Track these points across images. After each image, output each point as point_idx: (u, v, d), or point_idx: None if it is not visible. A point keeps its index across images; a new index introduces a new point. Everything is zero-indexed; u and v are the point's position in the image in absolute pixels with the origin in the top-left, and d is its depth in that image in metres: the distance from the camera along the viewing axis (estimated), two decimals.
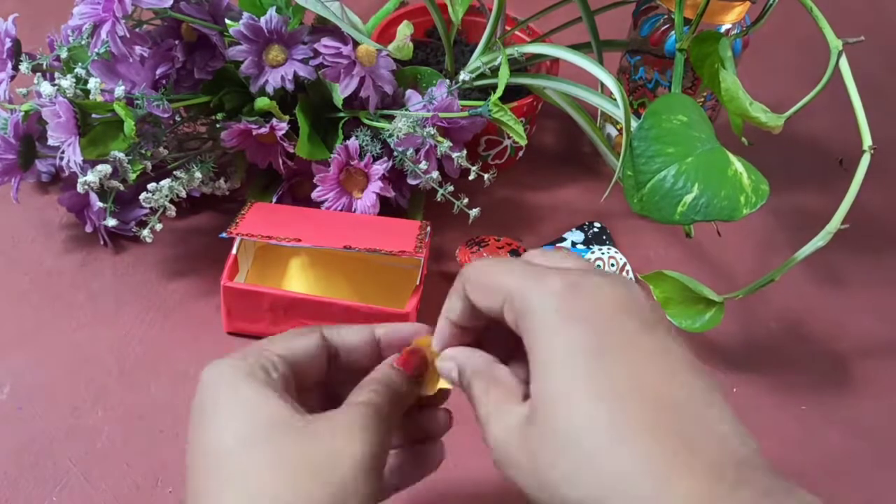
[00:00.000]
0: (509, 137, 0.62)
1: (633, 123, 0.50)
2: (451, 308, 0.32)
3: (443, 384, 0.35)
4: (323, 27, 0.54)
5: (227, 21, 0.53)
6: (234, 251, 0.52)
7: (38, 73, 0.55)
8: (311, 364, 0.33)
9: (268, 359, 0.31)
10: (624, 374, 0.25)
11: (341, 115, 0.56)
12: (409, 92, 0.57)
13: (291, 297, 0.50)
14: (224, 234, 0.50)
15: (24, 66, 0.55)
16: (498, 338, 0.32)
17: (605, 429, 0.24)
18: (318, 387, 0.35)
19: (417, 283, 0.51)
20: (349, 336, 0.35)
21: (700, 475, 0.23)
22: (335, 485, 0.27)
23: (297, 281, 0.56)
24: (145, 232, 0.52)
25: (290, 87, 0.53)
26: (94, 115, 0.51)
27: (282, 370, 0.31)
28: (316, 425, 0.29)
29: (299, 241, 0.49)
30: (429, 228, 0.54)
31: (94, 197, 0.54)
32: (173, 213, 0.53)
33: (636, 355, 0.25)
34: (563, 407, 0.25)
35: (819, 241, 0.48)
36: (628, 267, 0.59)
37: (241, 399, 0.29)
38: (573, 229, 0.62)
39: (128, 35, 0.48)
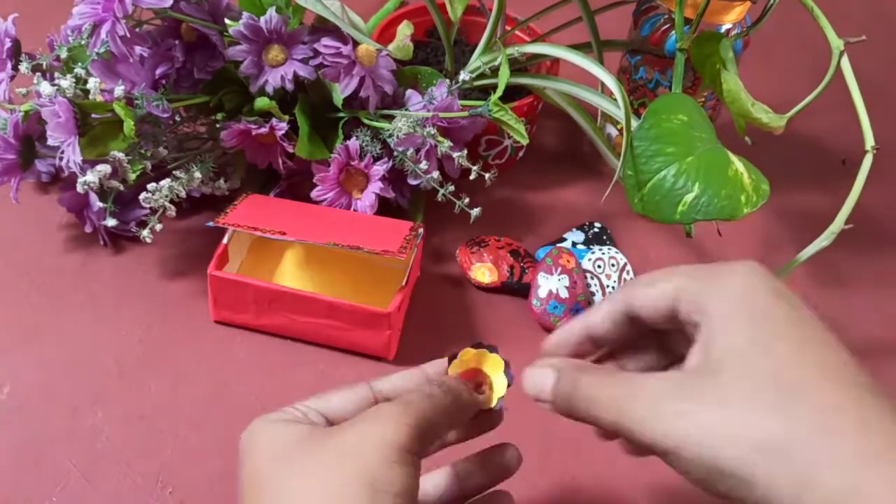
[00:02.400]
0: (510, 137, 0.62)
1: (634, 123, 0.50)
2: (596, 311, 0.33)
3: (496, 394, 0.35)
4: (323, 27, 0.54)
5: (226, 21, 0.53)
6: (224, 241, 0.52)
7: (38, 73, 0.55)
8: (353, 412, 0.34)
9: (297, 408, 0.33)
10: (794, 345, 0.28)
11: (341, 115, 0.56)
12: (409, 92, 0.56)
13: (275, 290, 0.50)
14: (211, 223, 0.50)
15: (23, 66, 0.55)
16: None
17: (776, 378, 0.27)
18: None
19: (403, 283, 0.51)
20: (399, 382, 0.36)
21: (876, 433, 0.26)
22: (362, 470, 0.28)
23: (289, 275, 0.56)
24: (145, 232, 0.52)
25: (289, 86, 0.53)
26: (93, 115, 0.51)
27: (313, 417, 0.33)
28: (342, 427, 0.31)
29: (284, 234, 0.49)
30: (421, 230, 0.54)
31: (93, 197, 0.54)
32: (173, 214, 0.53)
33: (808, 332, 0.28)
34: (736, 360, 0.27)
35: (823, 241, 0.48)
36: (628, 267, 0.59)
37: (272, 432, 0.31)
38: (573, 229, 0.62)
39: (127, 35, 0.48)
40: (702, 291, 0.30)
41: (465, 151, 0.55)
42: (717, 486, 0.27)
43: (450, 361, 0.44)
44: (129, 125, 0.49)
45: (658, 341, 0.35)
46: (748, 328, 0.28)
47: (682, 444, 0.27)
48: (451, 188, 0.55)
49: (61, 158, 0.50)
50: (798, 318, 0.28)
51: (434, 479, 0.37)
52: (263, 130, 0.53)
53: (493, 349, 0.48)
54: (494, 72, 0.58)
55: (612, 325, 0.33)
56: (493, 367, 0.49)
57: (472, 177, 0.55)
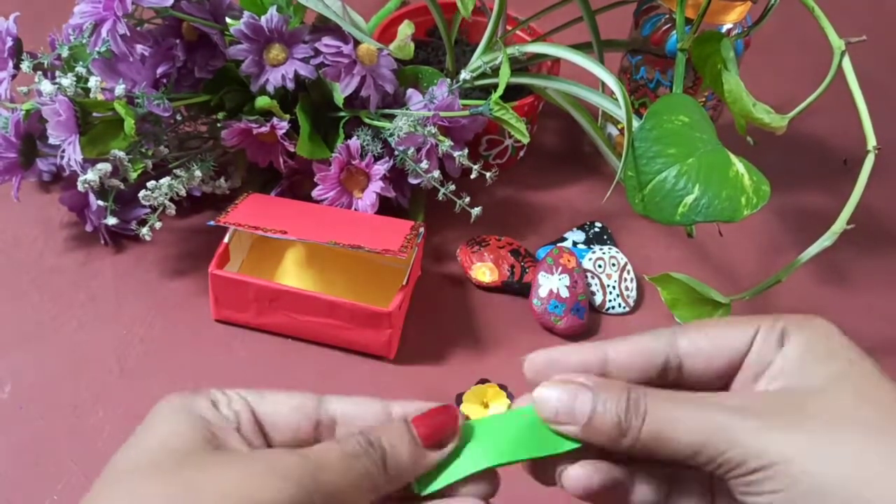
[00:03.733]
0: (510, 137, 0.62)
1: (635, 123, 0.49)
2: (624, 346, 0.28)
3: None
4: (324, 26, 0.54)
5: (227, 20, 0.53)
6: (225, 240, 0.52)
7: (39, 72, 0.55)
8: (285, 423, 0.28)
9: (224, 395, 0.28)
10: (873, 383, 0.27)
11: (342, 114, 0.56)
12: (410, 91, 0.56)
13: (276, 289, 0.50)
14: (212, 223, 0.50)
15: (25, 65, 0.55)
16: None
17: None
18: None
19: (404, 282, 0.51)
20: (353, 409, 0.29)
21: None
22: None
23: (290, 274, 0.56)
24: (144, 230, 0.52)
25: (290, 86, 0.53)
26: (94, 114, 0.51)
27: (235, 407, 0.28)
28: (222, 460, 0.25)
29: (285, 233, 0.49)
30: (422, 229, 0.54)
31: (94, 196, 0.54)
32: (173, 212, 0.53)
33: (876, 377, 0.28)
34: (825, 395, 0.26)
35: (825, 241, 0.48)
36: (629, 266, 0.59)
37: (165, 422, 0.27)
38: (574, 229, 0.62)
39: (128, 34, 0.48)
40: (784, 326, 0.28)
41: (466, 151, 0.55)
42: None
43: (457, 402, 0.44)
44: (129, 124, 0.49)
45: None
46: (843, 363, 0.27)
47: (795, 456, 0.25)
48: (452, 187, 0.55)
49: (62, 157, 0.50)
50: (869, 368, 0.28)
51: None
52: (264, 129, 0.53)
53: (502, 387, 0.48)
54: (495, 71, 0.58)
55: (642, 361, 0.28)
56: (495, 397, 0.50)
57: (472, 176, 0.55)
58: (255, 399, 0.28)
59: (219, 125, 0.55)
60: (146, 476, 0.25)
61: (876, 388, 0.27)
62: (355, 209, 0.56)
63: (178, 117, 0.57)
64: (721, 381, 0.29)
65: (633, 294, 0.58)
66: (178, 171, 0.53)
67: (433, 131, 0.54)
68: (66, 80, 0.50)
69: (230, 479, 0.24)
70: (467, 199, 0.56)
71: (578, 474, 0.27)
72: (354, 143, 0.54)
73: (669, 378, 0.29)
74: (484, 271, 0.57)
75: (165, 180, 0.52)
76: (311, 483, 0.24)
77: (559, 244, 0.60)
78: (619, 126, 0.67)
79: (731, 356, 0.28)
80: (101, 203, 0.54)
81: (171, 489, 0.24)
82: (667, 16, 0.60)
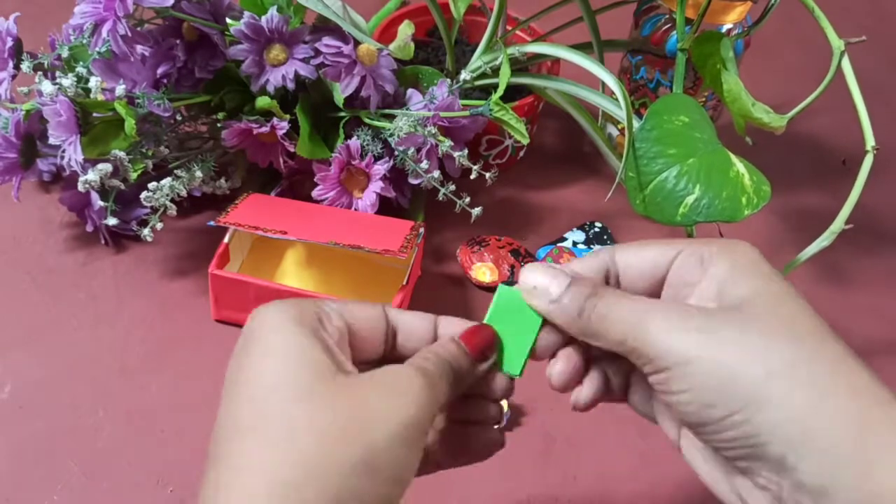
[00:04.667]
0: (510, 137, 0.62)
1: (635, 124, 0.50)
2: (577, 264, 0.33)
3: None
4: (324, 26, 0.54)
5: (228, 20, 0.53)
6: (225, 240, 0.53)
7: (40, 72, 0.55)
8: (369, 333, 0.31)
9: (323, 309, 0.30)
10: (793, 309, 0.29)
11: (342, 114, 0.56)
12: (410, 91, 0.57)
13: (277, 289, 0.50)
14: (212, 223, 0.50)
15: (25, 65, 0.55)
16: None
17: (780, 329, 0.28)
18: (373, 367, 0.31)
19: (404, 282, 0.51)
20: (410, 320, 0.33)
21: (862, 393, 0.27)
22: (364, 447, 0.25)
23: (290, 274, 0.56)
24: (146, 231, 0.52)
25: (290, 86, 0.53)
26: (94, 114, 0.51)
27: (337, 323, 0.30)
28: (358, 382, 0.27)
29: (285, 233, 0.49)
30: (422, 229, 0.54)
31: (94, 196, 0.54)
32: (174, 213, 0.53)
33: (799, 303, 0.29)
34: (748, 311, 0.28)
35: (824, 241, 0.48)
36: None
37: (287, 343, 0.28)
38: (574, 229, 0.62)
39: (129, 34, 0.48)
40: (708, 250, 0.31)
41: (466, 151, 0.55)
42: (713, 412, 0.27)
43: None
44: (130, 124, 0.49)
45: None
46: (761, 283, 0.29)
47: (697, 358, 0.28)
48: (452, 187, 0.55)
49: (62, 157, 0.50)
50: (791, 292, 0.30)
51: None
52: (264, 130, 0.53)
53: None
54: (495, 71, 0.58)
55: (591, 274, 0.33)
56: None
57: (472, 176, 0.55)
58: (346, 312, 0.31)
59: (219, 125, 0.55)
60: (302, 400, 0.26)
61: (785, 304, 0.29)
62: (355, 209, 0.56)
63: (179, 117, 0.57)
64: (652, 295, 0.32)
65: None
66: (178, 172, 0.53)
67: (433, 131, 0.54)
68: (67, 81, 0.50)
69: (381, 403, 0.27)
70: (467, 199, 0.56)
71: (560, 365, 0.33)
72: (354, 143, 0.54)
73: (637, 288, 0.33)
74: (484, 271, 0.57)
75: (167, 181, 0.52)
76: (431, 395, 0.28)
77: (559, 244, 0.60)
78: (620, 126, 0.67)
79: (653, 273, 0.32)
80: (102, 203, 0.54)
81: (335, 415, 0.26)
82: (667, 16, 0.60)
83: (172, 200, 0.53)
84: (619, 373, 0.34)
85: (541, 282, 0.32)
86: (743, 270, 0.30)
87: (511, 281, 0.57)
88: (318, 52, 0.53)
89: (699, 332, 0.28)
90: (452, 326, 0.33)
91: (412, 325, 0.33)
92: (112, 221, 0.54)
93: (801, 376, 0.27)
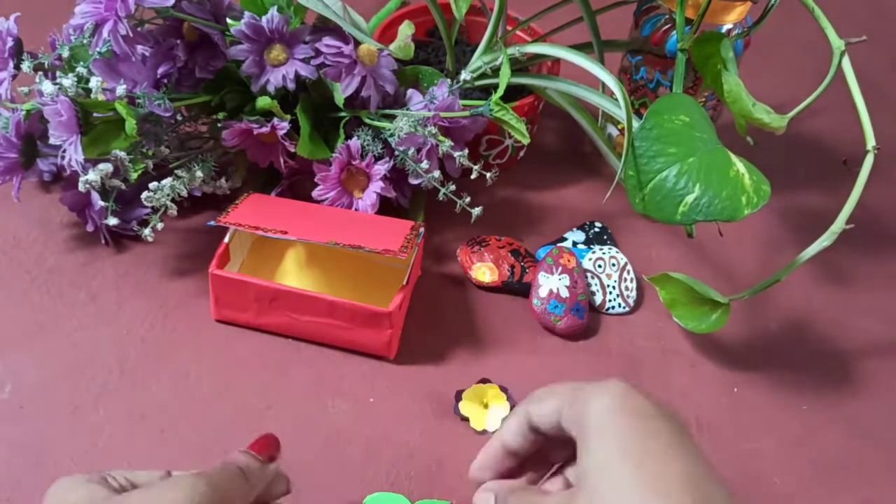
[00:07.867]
0: (511, 137, 0.62)
1: (635, 123, 0.50)
2: (507, 428, 0.37)
3: None
4: (324, 26, 0.54)
5: (228, 20, 0.53)
6: (226, 240, 0.53)
7: (40, 72, 0.55)
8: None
9: (109, 473, 0.34)
10: (659, 459, 0.31)
11: (342, 114, 0.56)
12: (410, 91, 0.57)
13: (276, 289, 0.50)
14: (213, 223, 0.50)
15: (25, 65, 0.55)
16: (534, 463, 0.39)
17: (644, 489, 0.30)
18: None
19: (404, 282, 0.51)
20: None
21: None
22: None
23: (291, 274, 0.56)
24: (147, 231, 0.52)
25: (291, 86, 0.53)
26: (95, 114, 0.51)
27: (122, 482, 0.34)
28: (139, 490, 0.33)
29: (286, 233, 0.49)
30: (422, 229, 0.54)
31: (95, 196, 0.54)
32: (175, 213, 0.53)
33: (669, 448, 0.31)
34: (610, 472, 0.31)
35: (825, 241, 0.48)
36: (629, 266, 0.59)
37: (78, 492, 0.32)
38: (574, 229, 0.62)
39: (129, 34, 0.48)
40: (576, 410, 0.34)
41: (466, 151, 0.55)
42: None
43: (457, 398, 0.47)
44: (130, 124, 0.49)
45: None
46: (614, 444, 0.31)
47: None
48: (452, 187, 0.55)
49: (63, 157, 0.50)
50: (661, 430, 0.32)
51: None
52: (265, 130, 0.53)
53: (503, 389, 0.50)
54: (495, 72, 0.58)
55: (523, 439, 0.37)
56: (495, 398, 0.51)
57: (473, 176, 0.55)
58: (129, 475, 0.35)
59: (219, 125, 0.55)
60: None
61: (659, 465, 0.31)
62: (355, 209, 0.56)
63: (179, 117, 0.57)
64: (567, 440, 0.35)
65: (633, 294, 0.58)
66: (179, 172, 0.53)
67: (433, 132, 0.54)
68: (67, 81, 0.50)
69: (157, 497, 0.32)
70: (467, 199, 0.56)
71: None
72: (355, 143, 0.54)
73: (549, 438, 0.37)
74: (484, 271, 0.57)
75: (168, 181, 0.52)
76: (207, 492, 0.32)
77: (559, 244, 0.60)
78: (620, 126, 0.67)
79: (557, 427, 0.35)
80: (102, 203, 0.54)
81: None
82: (667, 16, 0.60)
83: (173, 200, 0.53)
84: None
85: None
86: (602, 431, 0.32)
87: (512, 282, 0.57)
88: (318, 53, 0.53)
89: None
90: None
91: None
92: (112, 221, 0.54)
93: None
